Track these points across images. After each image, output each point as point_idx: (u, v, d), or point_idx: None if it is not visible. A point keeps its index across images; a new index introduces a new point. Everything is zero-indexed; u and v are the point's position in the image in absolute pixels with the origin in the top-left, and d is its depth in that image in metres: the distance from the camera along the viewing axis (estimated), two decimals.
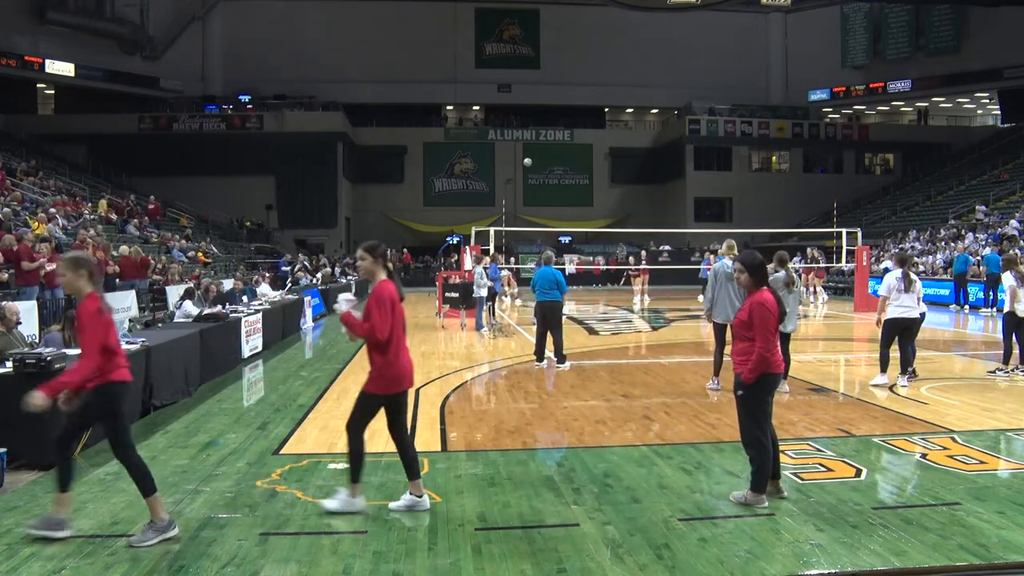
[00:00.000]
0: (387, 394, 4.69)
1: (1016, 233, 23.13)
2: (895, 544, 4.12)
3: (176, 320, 10.72)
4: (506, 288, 23.92)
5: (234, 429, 6.95)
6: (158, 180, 34.91)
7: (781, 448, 5.17)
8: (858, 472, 5.46)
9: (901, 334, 8.67)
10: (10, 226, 14.74)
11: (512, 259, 27.31)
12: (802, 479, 5.26)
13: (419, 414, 7.57)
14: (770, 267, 6.67)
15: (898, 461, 5.84)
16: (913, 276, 8.64)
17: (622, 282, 29.05)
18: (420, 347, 13.01)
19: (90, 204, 24.28)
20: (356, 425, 4.71)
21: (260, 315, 12.16)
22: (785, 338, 7.85)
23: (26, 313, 9.69)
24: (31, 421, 4.66)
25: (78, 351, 6.58)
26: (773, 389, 4.87)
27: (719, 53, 43.55)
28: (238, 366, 10.73)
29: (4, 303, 7.75)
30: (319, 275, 24.78)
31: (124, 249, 15.54)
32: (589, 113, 44.99)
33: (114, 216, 23.99)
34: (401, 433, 4.82)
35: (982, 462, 5.69)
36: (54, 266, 12.07)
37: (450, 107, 45.61)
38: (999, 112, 43.26)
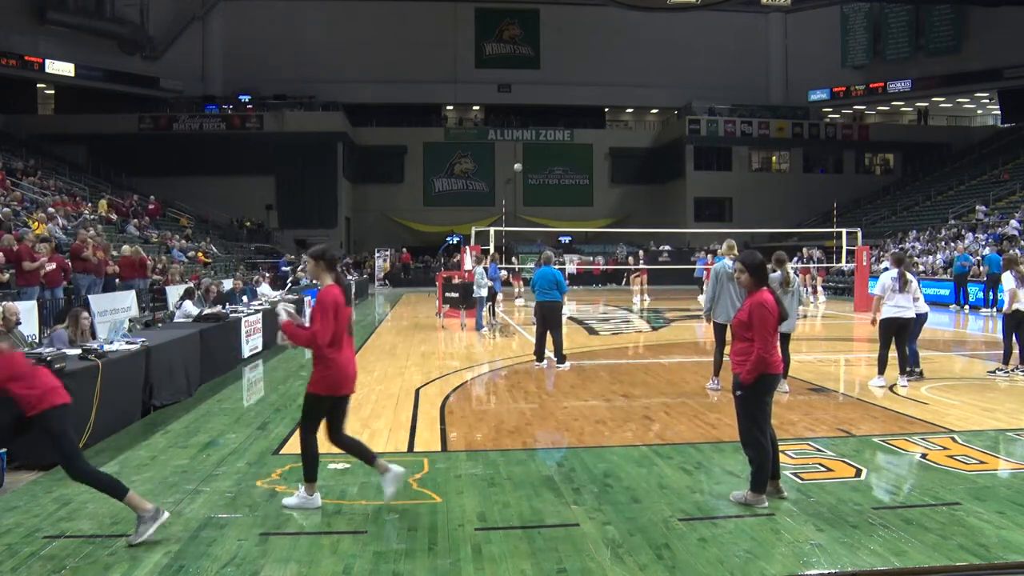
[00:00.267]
0: (331, 395, 4.75)
1: (1016, 233, 23.13)
2: (895, 544, 4.12)
3: (176, 320, 10.71)
4: (515, 286, 24.05)
5: (234, 429, 6.96)
6: (158, 180, 34.96)
7: (781, 448, 5.17)
8: (858, 472, 5.46)
9: (898, 334, 8.67)
10: (10, 226, 14.74)
11: (514, 259, 27.28)
12: (802, 479, 5.26)
13: (419, 414, 7.58)
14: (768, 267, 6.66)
15: (898, 461, 5.84)
16: (910, 276, 8.63)
17: (623, 282, 29.06)
18: (420, 347, 13.02)
19: (90, 204, 24.29)
20: (307, 427, 4.81)
21: (260, 315, 12.16)
22: (784, 338, 7.86)
23: (26, 313, 9.68)
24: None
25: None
26: (772, 390, 4.87)
27: (719, 53, 43.56)
28: (238, 366, 10.73)
29: (4, 303, 7.75)
30: None
31: (126, 249, 15.54)
32: (589, 113, 45.00)
33: (114, 216, 24.00)
34: (340, 437, 4.90)
35: (982, 462, 5.69)
36: (54, 266, 12.10)
37: (450, 107, 45.62)
38: (999, 112, 43.27)
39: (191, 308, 10.80)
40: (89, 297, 11.57)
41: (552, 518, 4.57)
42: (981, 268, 20.09)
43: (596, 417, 7.34)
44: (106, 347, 7.00)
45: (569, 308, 19.98)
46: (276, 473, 5.53)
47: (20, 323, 8.10)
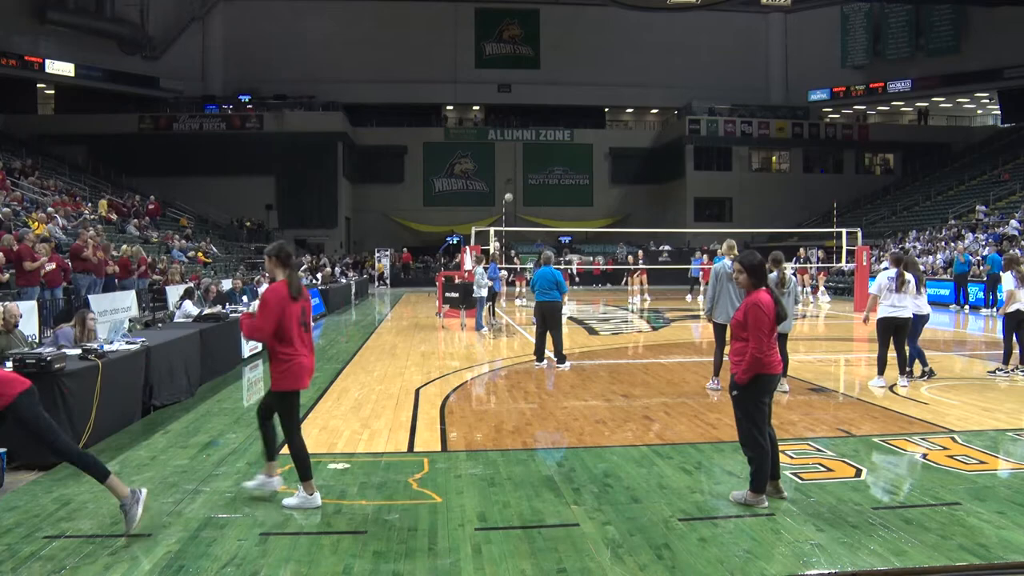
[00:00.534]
0: (295, 390, 4.84)
1: (1016, 233, 23.14)
2: (895, 544, 4.12)
3: (176, 320, 10.71)
4: (519, 285, 24.06)
5: (234, 429, 6.96)
6: (158, 180, 34.96)
7: (781, 448, 5.17)
8: (858, 472, 5.47)
9: (896, 334, 8.67)
10: (10, 226, 14.74)
11: (515, 259, 27.25)
12: (802, 479, 5.26)
13: (419, 414, 7.58)
14: None
15: (898, 461, 5.84)
16: (909, 276, 8.62)
17: (624, 282, 29.02)
18: (420, 347, 13.02)
19: (90, 204, 24.28)
20: (288, 427, 4.88)
21: None
22: (782, 339, 7.85)
23: (27, 313, 9.68)
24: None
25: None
26: (768, 390, 4.86)
27: (719, 53, 43.53)
28: (238, 366, 10.73)
29: (5, 304, 7.75)
30: (319, 275, 24.77)
31: (125, 249, 15.55)
32: (589, 113, 45.00)
33: (114, 216, 24.00)
34: (269, 424, 5.02)
35: (982, 462, 5.69)
36: (54, 266, 12.09)
37: (450, 107, 45.61)
38: (999, 112, 43.26)
39: (191, 308, 10.79)
40: (89, 297, 11.56)
41: (552, 518, 4.57)
42: (981, 268, 20.09)
43: (596, 417, 7.34)
44: (106, 347, 7.00)
45: (569, 308, 19.98)
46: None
47: (19, 323, 8.10)
